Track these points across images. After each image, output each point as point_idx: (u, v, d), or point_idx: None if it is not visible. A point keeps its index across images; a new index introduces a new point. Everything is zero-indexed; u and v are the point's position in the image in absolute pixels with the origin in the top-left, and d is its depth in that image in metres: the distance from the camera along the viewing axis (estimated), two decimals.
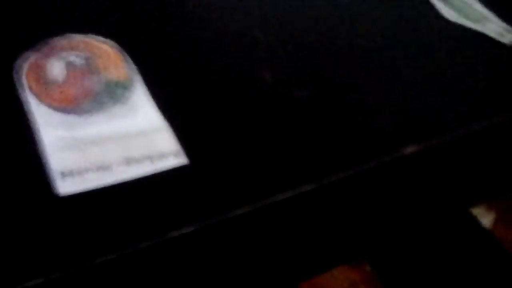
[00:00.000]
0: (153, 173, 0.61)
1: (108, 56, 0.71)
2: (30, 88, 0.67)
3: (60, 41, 0.72)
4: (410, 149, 0.69)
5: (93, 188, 0.59)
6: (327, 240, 0.74)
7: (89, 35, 0.73)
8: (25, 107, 0.66)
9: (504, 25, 0.85)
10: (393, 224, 0.79)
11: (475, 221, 1.26)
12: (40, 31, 0.73)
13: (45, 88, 0.68)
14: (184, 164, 0.62)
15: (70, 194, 0.59)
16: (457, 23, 0.84)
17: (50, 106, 0.66)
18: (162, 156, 0.62)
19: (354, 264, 1.17)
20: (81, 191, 0.59)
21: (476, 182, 0.81)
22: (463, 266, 1.16)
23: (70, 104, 0.67)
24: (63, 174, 0.60)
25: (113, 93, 0.68)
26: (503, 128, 0.75)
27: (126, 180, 0.60)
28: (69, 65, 0.70)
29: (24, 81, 0.68)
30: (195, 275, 0.64)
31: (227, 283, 0.68)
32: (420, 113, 0.72)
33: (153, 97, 0.68)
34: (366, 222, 0.75)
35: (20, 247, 0.56)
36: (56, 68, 0.70)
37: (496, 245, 1.21)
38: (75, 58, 0.71)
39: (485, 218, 1.27)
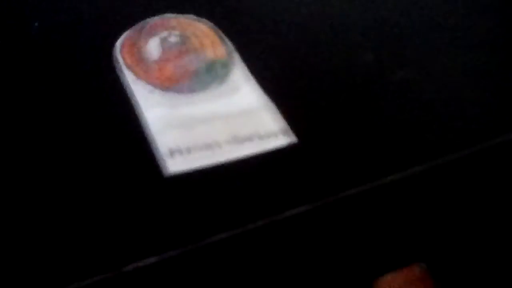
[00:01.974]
0: (261, 152, 0.59)
1: (204, 35, 0.69)
2: (128, 66, 0.66)
3: (156, 21, 0.71)
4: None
5: (202, 167, 0.58)
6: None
7: (184, 15, 0.72)
8: (125, 85, 0.64)
9: None
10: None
11: None
12: (136, 11, 0.72)
13: (144, 66, 0.66)
14: (293, 142, 0.60)
15: (179, 172, 0.57)
16: None
17: (149, 83, 0.65)
18: (271, 134, 0.60)
19: None
20: (189, 170, 0.57)
21: None
22: None
23: (171, 82, 0.65)
24: (172, 152, 0.58)
25: (214, 72, 0.66)
26: None
27: (234, 158, 0.58)
28: (166, 44, 0.68)
29: (121, 60, 0.67)
30: (306, 256, 0.62)
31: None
32: None
33: (252, 75, 0.66)
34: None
35: (131, 226, 0.55)
36: (153, 47, 0.68)
37: None
38: (171, 38, 0.69)
39: None
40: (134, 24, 0.70)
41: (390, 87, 0.68)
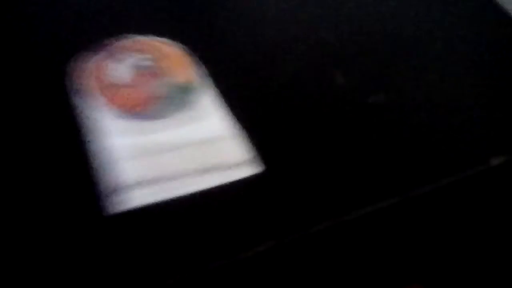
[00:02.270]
0: (226, 182, 0.57)
1: (174, 59, 0.68)
2: (92, 92, 0.64)
3: (124, 43, 0.69)
4: (496, 161, 0.65)
5: (167, 199, 0.56)
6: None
7: (153, 36, 0.70)
8: (79, 112, 0.62)
9: None
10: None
11: None
12: (96, 32, 0.70)
13: (109, 92, 0.64)
14: (261, 171, 0.58)
15: (143, 204, 0.55)
16: None
17: (114, 110, 0.63)
18: (238, 164, 0.58)
19: None
20: (153, 202, 0.56)
21: None
22: None
23: (136, 108, 0.63)
24: (135, 183, 0.56)
25: (183, 96, 0.64)
26: None
27: (201, 189, 0.57)
28: (135, 68, 0.67)
29: (84, 85, 0.65)
30: None
31: None
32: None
33: (223, 99, 0.65)
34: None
35: (84, 261, 0.53)
36: (121, 71, 0.66)
37: None
38: (140, 61, 0.67)
39: None
40: (92, 45, 0.67)
41: (362, 113, 0.67)
